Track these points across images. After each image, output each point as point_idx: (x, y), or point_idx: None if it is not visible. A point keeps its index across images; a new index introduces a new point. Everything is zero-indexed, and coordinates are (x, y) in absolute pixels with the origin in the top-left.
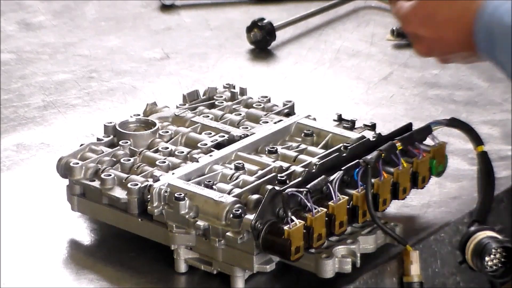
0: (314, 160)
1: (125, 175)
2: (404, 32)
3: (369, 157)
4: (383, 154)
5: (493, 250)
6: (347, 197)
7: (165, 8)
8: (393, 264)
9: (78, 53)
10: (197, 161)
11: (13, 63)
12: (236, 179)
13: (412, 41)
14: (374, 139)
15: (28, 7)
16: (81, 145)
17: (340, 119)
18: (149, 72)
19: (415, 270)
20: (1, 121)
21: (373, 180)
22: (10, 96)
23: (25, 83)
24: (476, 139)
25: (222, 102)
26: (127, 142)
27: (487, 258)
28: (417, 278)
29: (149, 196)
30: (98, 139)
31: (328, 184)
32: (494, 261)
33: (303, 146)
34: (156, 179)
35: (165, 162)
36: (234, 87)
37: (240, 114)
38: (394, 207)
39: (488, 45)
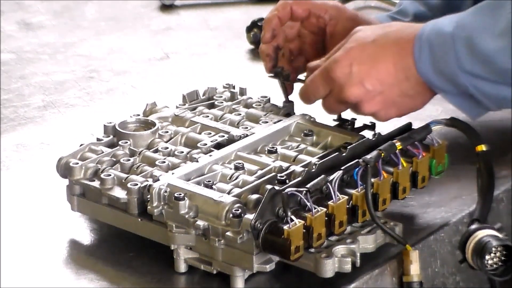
0: (314, 160)
1: (124, 175)
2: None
3: (368, 156)
4: (382, 154)
5: (493, 249)
6: (346, 197)
7: (165, 8)
8: (392, 264)
9: (78, 53)
10: (197, 161)
11: (13, 63)
12: (236, 179)
13: (343, 86)
14: (373, 139)
15: (28, 7)
16: (81, 145)
17: (339, 119)
18: (149, 72)
19: (414, 269)
20: (1, 121)
21: (372, 180)
22: (10, 96)
23: (25, 83)
24: (476, 138)
25: (222, 102)
26: (127, 142)
27: (487, 257)
28: (416, 277)
29: (148, 196)
30: (98, 139)
31: (328, 183)
32: (494, 259)
33: (302, 146)
34: (156, 179)
35: (164, 162)
36: (234, 87)
37: (240, 114)
38: (394, 207)
39: (430, 60)
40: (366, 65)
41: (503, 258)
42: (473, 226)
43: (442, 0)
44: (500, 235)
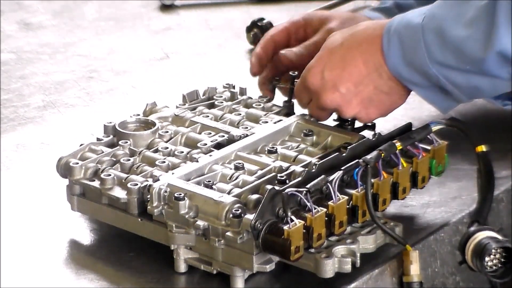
0: (314, 160)
1: (124, 175)
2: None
3: (368, 157)
4: (382, 154)
5: (493, 251)
6: (346, 197)
7: (165, 8)
8: (392, 264)
9: (78, 53)
10: (197, 161)
11: (13, 63)
12: (236, 179)
13: (319, 93)
14: (373, 139)
15: (28, 7)
16: (81, 145)
17: (340, 119)
18: (149, 72)
19: (414, 270)
20: (1, 121)
21: (372, 180)
22: (10, 96)
23: (25, 83)
24: (476, 139)
25: (222, 102)
26: (127, 142)
27: (487, 259)
28: (416, 278)
29: (148, 196)
30: (98, 139)
31: (328, 184)
32: (494, 261)
33: (302, 146)
34: (156, 179)
35: (164, 162)
36: (233, 87)
37: (240, 114)
38: (394, 207)
39: (399, 53)
40: (337, 69)
41: (502, 260)
42: (473, 228)
43: None
44: (499, 237)
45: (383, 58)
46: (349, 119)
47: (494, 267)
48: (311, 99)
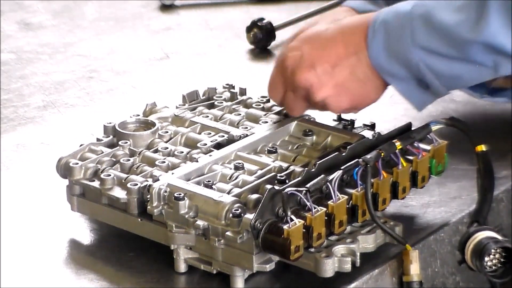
0: (314, 160)
1: (124, 175)
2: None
3: (368, 156)
4: (382, 154)
5: (493, 250)
6: (346, 197)
7: (165, 8)
8: (392, 264)
9: (78, 53)
10: (197, 161)
11: (13, 63)
12: (236, 179)
13: (295, 71)
14: (373, 139)
15: (28, 7)
16: (81, 145)
17: (339, 119)
18: (149, 72)
19: (414, 269)
20: (1, 121)
21: (372, 180)
22: (10, 96)
23: (25, 83)
24: (476, 138)
25: (222, 102)
26: (127, 142)
27: (486, 258)
28: (416, 277)
29: (148, 196)
30: (98, 140)
31: (328, 183)
32: (494, 261)
33: (302, 146)
34: (156, 179)
35: (164, 162)
36: (233, 87)
37: (240, 114)
38: (394, 207)
39: (383, 42)
40: (318, 50)
41: (502, 259)
42: (473, 228)
43: None
44: (499, 237)
45: (366, 45)
46: (349, 119)
47: (493, 267)
48: (284, 83)
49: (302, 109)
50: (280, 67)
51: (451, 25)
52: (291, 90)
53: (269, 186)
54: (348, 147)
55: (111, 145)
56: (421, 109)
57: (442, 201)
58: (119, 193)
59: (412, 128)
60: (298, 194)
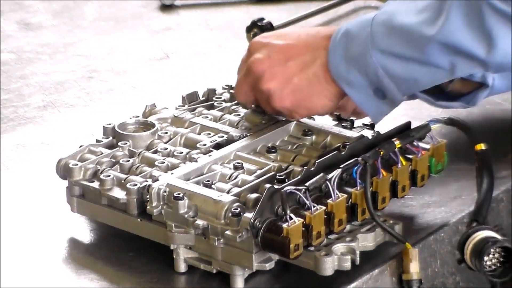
0: (313, 159)
1: (124, 176)
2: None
3: (367, 155)
4: (381, 152)
5: (492, 250)
6: (346, 195)
7: (165, 8)
8: (392, 264)
9: (78, 53)
10: (196, 161)
11: (13, 63)
12: (235, 178)
13: (252, 54)
14: (372, 138)
15: (28, 7)
16: (80, 146)
17: (339, 119)
18: (149, 72)
19: (414, 267)
20: (1, 121)
21: (372, 178)
22: (10, 96)
23: (25, 83)
24: (475, 138)
25: (221, 103)
26: (126, 143)
27: (486, 258)
28: (416, 275)
29: (148, 196)
30: (97, 141)
31: (327, 182)
32: (493, 261)
33: (301, 145)
34: (155, 179)
35: (164, 162)
36: (233, 88)
37: (239, 115)
38: (394, 207)
39: (343, 49)
40: (281, 43)
41: (501, 259)
42: (472, 227)
43: None
44: (499, 236)
45: (325, 48)
46: (348, 119)
47: (493, 267)
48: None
49: (247, 94)
50: (247, 52)
51: (411, 25)
52: (244, 74)
53: (268, 185)
54: (347, 146)
55: (110, 146)
56: (376, 119)
57: (442, 201)
58: (118, 193)
59: (412, 127)
60: (298, 192)
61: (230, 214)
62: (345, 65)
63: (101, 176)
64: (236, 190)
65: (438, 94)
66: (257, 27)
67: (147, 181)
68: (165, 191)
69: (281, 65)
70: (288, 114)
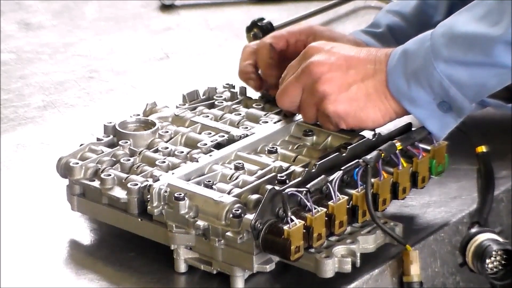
0: (314, 160)
1: (125, 175)
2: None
3: (368, 157)
4: (382, 154)
5: (494, 253)
6: (346, 197)
7: (165, 8)
8: (392, 264)
9: (78, 53)
10: (197, 161)
11: (13, 63)
12: (236, 179)
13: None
14: (373, 139)
15: (28, 7)
16: (81, 145)
17: None
18: (149, 72)
19: (414, 270)
20: (1, 121)
21: (372, 180)
22: (10, 96)
23: (25, 83)
24: (476, 139)
25: (222, 102)
26: (127, 142)
27: (487, 261)
28: (416, 278)
29: (149, 196)
30: (98, 139)
31: (328, 184)
32: (495, 263)
33: (302, 146)
34: (156, 179)
35: (164, 162)
36: (233, 87)
37: (240, 114)
38: (394, 207)
39: (402, 66)
40: (343, 51)
41: (503, 262)
42: (474, 230)
43: (416, 8)
44: (500, 239)
45: (385, 67)
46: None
47: (494, 269)
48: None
49: (294, 98)
50: (302, 56)
51: (474, 30)
52: (296, 76)
53: (269, 187)
54: (348, 147)
55: (111, 145)
56: (441, 134)
57: (442, 201)
58: (119, 193)
59: (412, 129)
60: (299, 194)
61: (231, 215)
62: (406, 82)
63: (102, 175)
64: (237, 191)
65: (508, 98)
66: (257, 27)
67: (147, 180)
68: (166, 191)
69: (341, 71)
70: (336, 121)
